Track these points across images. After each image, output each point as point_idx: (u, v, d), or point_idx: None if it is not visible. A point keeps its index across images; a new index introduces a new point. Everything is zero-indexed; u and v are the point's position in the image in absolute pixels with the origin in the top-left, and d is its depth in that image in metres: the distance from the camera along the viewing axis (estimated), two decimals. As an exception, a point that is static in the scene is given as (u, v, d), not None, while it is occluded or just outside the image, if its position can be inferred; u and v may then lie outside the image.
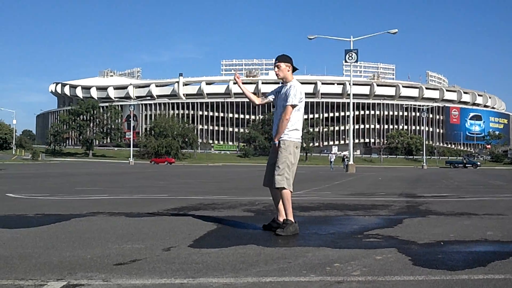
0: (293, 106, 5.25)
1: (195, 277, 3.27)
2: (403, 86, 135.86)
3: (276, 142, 5.28)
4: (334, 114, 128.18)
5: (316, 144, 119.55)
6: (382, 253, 4.12)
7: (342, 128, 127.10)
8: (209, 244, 4.52)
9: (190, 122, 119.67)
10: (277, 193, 5.36)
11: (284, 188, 5.20)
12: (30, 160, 74.36)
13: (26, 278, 3.21)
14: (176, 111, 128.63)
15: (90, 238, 4.86)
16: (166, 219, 6.43)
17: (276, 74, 5.48)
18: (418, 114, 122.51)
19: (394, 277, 3.30)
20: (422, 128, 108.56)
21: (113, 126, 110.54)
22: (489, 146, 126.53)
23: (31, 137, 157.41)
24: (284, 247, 4.39)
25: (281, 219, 5.32)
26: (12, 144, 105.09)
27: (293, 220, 5.22)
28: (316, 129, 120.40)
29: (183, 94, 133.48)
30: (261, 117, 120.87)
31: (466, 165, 78.27)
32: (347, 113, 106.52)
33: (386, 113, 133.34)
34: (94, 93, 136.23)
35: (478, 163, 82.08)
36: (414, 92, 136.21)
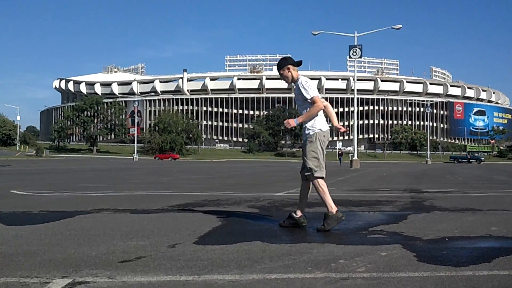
0: (316, 97, 5.28)
1: (200, 274, 3.27)
2: (407, 82, 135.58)
3: (298, 121, 5.34)
4: (338, 110, 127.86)
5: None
6: (387, 249, 4.11)
7: (346, 123, 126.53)
8: (214, 240, 4.52)
9: (194, 118, 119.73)
10: (305, 186, 5.48)
11: (317, 178, 5.30)
12: (34, 156, 74.37)
13: (31, 276, 3.21)
14: (180, 107, 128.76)
15: (95, 235, 4.87)
16: (170, 216, 6.44)
17: (286, 82, 5.61)
18: (422, 109, 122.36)
19: (399, 274, 3.29)
20: (426, 123, 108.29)
21: (117, 122, 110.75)
22: (493, 141, 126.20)
23: (35, 133, 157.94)
24: (289, 244, 4.39)
25: (298, 213, 5.41)
26: (16, 140, 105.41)
27: (333, 211, 5.23)
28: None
29: (187, 90, 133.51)
30: (265, 113, 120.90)
31: (470, 160, 78.26)
32: (351, 109, 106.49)
33: (390, 108, 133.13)
34: (98, 89, 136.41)
35: (482, 158, 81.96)
36: (418, 88, 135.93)
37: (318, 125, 5.36)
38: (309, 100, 5.28)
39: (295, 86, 5.48)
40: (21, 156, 72.89)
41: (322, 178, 5.32)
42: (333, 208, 5.22)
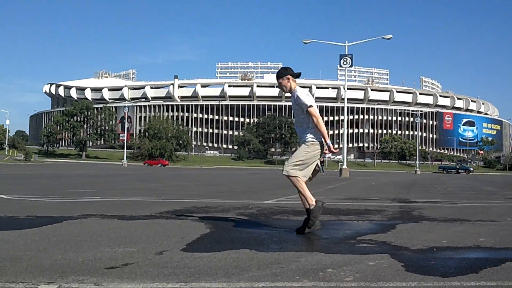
0: (312, 106, 5.45)
1: (187, 281, 3.25)
2: (397, 91, 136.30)
3: (329, 143, 5.52)
4: (328, 118, 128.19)
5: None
6: (375, 258, 4.11)
7: (336, 132, 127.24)
8: (202, 248, 4.51)
9: (185, 124, 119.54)
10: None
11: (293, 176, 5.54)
12: (23, 161, 73.94)
13: (17, 281, 3.18)
14: (171, 113, 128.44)
15: (82, 241, 4.83)
16: (159, 222, 6.40)
17: (283, 92, 5.74)
18: (411, 119, 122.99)
19: (386, 283, 3.29)
20: (415, 133, 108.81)
21: (107, 128, 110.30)
22: (482, 152, 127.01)
23: (24, 137, 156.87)
24: (278, 252, 4.37)
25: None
26: (4, 144, 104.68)
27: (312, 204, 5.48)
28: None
29: (178, 96, 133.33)
30: (255, 120, 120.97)
31: (459, 171, 78.63)
32: (342, 117, 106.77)
33: (380, 117, 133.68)
34: (88, 94, 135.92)
35: (471, 169, 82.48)
36: (408, 97, 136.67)
37: (318, 136, 5.52)
38: (307, 108, 5.39)
39: (291, 96, 5.61)
40: (10, 161, 72.40)
41: (295, 177, 5.52)
42: (313, 201, 5.52)
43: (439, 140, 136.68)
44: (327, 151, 5.60)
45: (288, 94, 5.71)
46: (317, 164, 5.65)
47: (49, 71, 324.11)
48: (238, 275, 3.45)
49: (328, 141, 5.49)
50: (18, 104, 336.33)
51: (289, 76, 5.58)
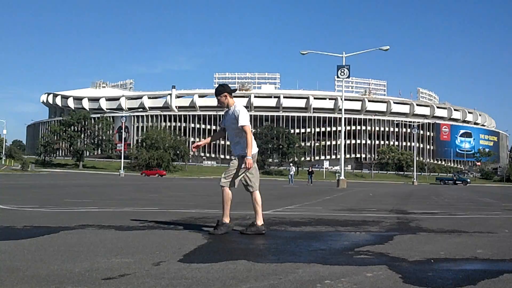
0: (247, 125, 6.12)
1: (184, 292, 3.23)
2: (394, 102, 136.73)
3: (250, 157, 6.12)
4: (325, 129, 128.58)
5: (308, 158, 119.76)
6: (373, 270, 4.10)
7: (333, 143, 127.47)
8: (199, 259, 4.49)
9: (182, 134, 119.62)
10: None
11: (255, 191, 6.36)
12: (20, 170, 73.78)
13: (13, 292, 3.16)
14: (168, 123, 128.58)
15: (79, 251, 4.81)
16: (156, 233, 6.38)
17: (221, 106, 6.38)
18: (409, 130, 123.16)
19: (384, 295, 3.28)
20: (412, 144, 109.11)
21: (104, 138, 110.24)
22: (479, 163, 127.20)
23: (21, 147, 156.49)
24: (275, 263, 4.36)
25: (226, 220, 6.28)
26: (1, 154, 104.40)
27: (258, 223, 6.24)
28: (308, 144, 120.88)
29: (176, 107, 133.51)
30: (253, 130, 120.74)
31: (456, 182, 78.69)
32: (339, 128, 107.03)
33: (377, 128, 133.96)
34: (86, 104, 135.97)
35: (468, 180, 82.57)
36: (405, 109, 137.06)
37: (255, 148, 6.25)
38: (240, 126, 6.04)
39: (229, 112, 6.25)
40: (6, 170, 72.20)
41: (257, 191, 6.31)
42: (261, 222, 6.25)
43: (436, 151, 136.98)
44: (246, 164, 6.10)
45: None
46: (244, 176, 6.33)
47: (46, 80, 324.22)
48: (235, 286, 3.43)
49: (249, 156, 6.05)
50: (15, 113, 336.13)
51: (226, 94, 6.23)
